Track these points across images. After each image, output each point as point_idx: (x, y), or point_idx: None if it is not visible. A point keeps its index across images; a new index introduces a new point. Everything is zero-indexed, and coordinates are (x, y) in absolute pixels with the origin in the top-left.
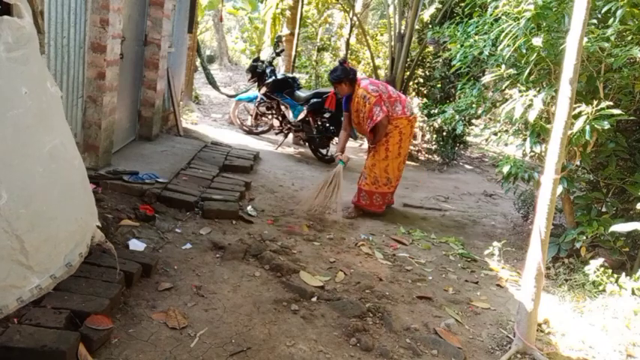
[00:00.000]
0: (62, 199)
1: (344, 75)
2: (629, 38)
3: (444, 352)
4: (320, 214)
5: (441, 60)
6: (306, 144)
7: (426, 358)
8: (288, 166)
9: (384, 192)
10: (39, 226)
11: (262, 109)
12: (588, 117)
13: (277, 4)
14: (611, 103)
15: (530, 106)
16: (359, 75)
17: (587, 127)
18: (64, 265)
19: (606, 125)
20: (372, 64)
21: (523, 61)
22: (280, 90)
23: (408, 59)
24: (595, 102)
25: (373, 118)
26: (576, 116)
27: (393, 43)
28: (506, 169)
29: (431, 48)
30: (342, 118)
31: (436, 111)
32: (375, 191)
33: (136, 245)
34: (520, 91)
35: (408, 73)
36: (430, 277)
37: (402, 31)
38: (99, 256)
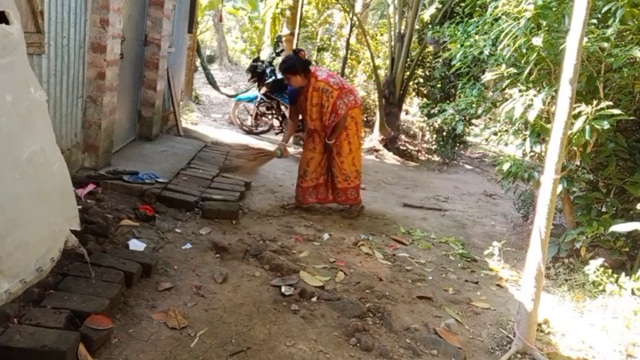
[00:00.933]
0: (37, 205)
1: (300, 66)
2: (629, 38)
3: (444, 352)
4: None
5: (441, 60)
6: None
7: (426, 358)
8: (288, 166)
9: (356, 185)
10: (13, 233)
11: (262, 109)
12: (588, 117)
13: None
14: (611, 103)
15: (530, 105)
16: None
17: (587, 127)
18: (34, 270)
19: (606, 125)
20: (372, 64)
21: (523, 61)
22: (280, 90)
23: (408, 59)
24: (595, 102)
25: (338, 112)
26: (576, 116)
27: (393, 43)
28: (506, 167)
29: (431, 48)
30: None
31: (436, 111)
32: (347, 187)
33: (135, 245)
34: (520, 91)
35: (408, 73)
36: (430, 277)
37: (402, 31)
38: (99, 256)
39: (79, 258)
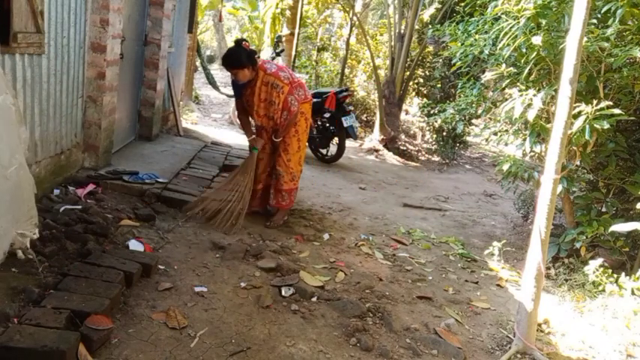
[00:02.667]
0: None
1: (246, 58)
2: (629, 38)
3: (444, 352)
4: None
5: (441, 60)
6: (306, 144)
7: (426, 358)
8: None
9: (297, 186)
10: None
11: None
12: (588, 116)
13: (277, 4)
14: (611, 103)
15: (529, 105)
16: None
17: (587, 127)
18: None
19: (606, 125)
20: (372, 64)
21: (523, 61)
22: None
23: (408, 59)
24: (595, 102)
25: (290, 109)
26: (576, 116)
27: (393, 43)
28: (506, 167)
29: (431, 48)
30: (235, 104)
31: (436, 111)
32: (293, 188)
33: (135, 246)
34: (520, 91)
35: (408, 73)
36: (430, 277)
37: (402, 31)
38: (99, 256)
39: (79, 258)
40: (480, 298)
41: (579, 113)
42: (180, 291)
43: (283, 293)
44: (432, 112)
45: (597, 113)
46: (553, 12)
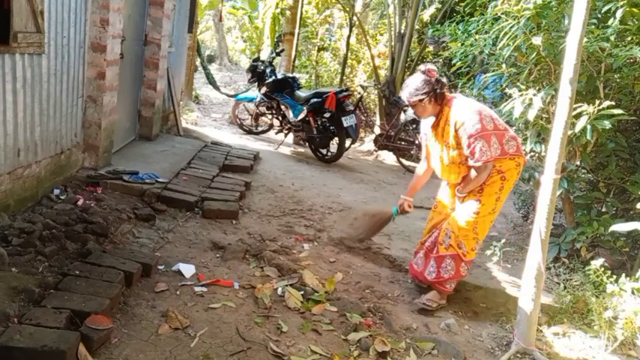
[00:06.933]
0: None
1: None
2: (629, 38)
3: (444, 352)
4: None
5: (441, 60)
6: (307, 144)
7: (426, 358)
8: (288, 166)
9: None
10: None
11: (262, 109)
12: (590, 116)
13: (277, 4)
14: (612, 103)
15: (529, 105)
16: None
17: (589, 127)
18: None
19: (607, 125)
20: (372, 64)
21: (523, 61)
22: (280, 90)
23: (408, 59)
24: (596, 102)
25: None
26: (577, 116)
27: (393, 43)
28: None
29: (431, 48)
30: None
31: None
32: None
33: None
34: (520, 91)
35: (408, 73)
36: None
37: (402, 31)
38: (99, 256)
39: (79, 258)
40: (480, 298)
41: (581, 113)
42: (180, 291)
43: (279, 292)
44: None
45: (598, 113)
46: (553, 12)
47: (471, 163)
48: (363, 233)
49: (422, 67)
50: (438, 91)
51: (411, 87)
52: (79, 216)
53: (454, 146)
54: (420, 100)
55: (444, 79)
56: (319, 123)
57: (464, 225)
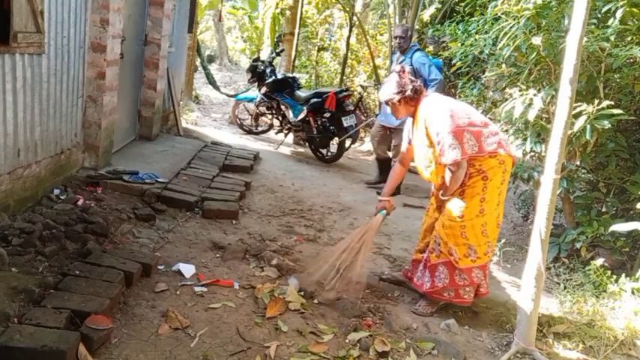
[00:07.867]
0: None
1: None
2: (629, 38)
3: (444, 352)
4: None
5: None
6: (306, 144)
7: (426, 358)
8: (288, 166)
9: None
10: None
11: (262, 109)
12: (589, 116)
13: (277, 4)
14: (612, 103)
15: (530, 105)
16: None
17: (588, 127)
18: None
19: (607, 125)
20: (372, 64)
21: (523, 61)
22: (280, 90)
23: None
24: (596, 101)
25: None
26: (577, 115)
27: (393, 43)
28: None
29: (431, 48)
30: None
31: None
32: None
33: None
34: (520, 91)
35: None
36: None
37: None
38: (99, 256)
39: (79, 258)
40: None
41: (580, 113)
42: (180, 291)
43: (277, 293)
44: None
45: (598, 113)
46: (553, 12)
47: (441, 161)
48: (336, 278)
49: (397, 67)
50: (408, 92)
51: (384, 87)
52: (79, 216)
53: (428, 145)
54: (391, 100)
55: (443, 78)
56: (319, 123)
57: (448, 231)
